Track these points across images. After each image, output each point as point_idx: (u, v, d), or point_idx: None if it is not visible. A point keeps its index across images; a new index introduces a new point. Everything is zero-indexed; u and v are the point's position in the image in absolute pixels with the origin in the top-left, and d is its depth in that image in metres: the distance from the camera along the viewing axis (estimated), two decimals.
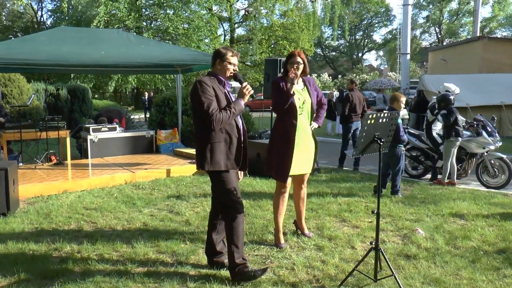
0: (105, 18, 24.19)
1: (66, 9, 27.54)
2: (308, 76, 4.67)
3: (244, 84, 3.71)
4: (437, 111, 7.94)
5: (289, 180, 4.53)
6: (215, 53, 3.80)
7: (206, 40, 29.01)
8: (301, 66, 4.45)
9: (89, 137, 9.59)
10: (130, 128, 13.91)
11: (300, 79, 4.56)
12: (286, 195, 4.59)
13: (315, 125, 4.64)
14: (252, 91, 3.73)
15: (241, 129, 3.81)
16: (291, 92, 4.32)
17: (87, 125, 9.92)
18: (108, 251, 4.43)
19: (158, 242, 4.65)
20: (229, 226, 3.71)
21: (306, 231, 4.92)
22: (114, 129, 10.09)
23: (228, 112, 3.56)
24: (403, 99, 6.74)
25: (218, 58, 3.75)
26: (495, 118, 8.12)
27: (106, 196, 6.78)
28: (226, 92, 3.74)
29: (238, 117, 3.81)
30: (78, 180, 7.39)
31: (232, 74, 3.76)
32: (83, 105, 18.04)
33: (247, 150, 3.88)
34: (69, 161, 9.16)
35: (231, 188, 3.70)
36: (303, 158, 4.48)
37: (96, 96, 32.59)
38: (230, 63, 3.73)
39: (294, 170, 4.45)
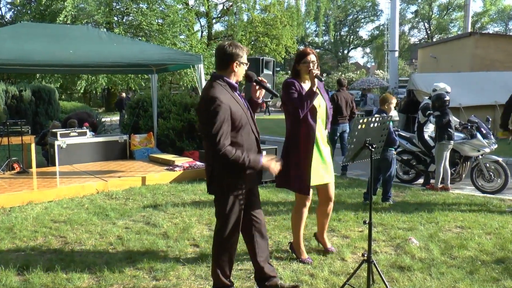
0: (73, 13, 23.90)
1: (18, 1, 27.03)
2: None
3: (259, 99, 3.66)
4: (429, 112, 8.02)
5: (310, 192, 4.44)
6: (229, 54, 3.41)
7: (182, 37, 28.90)
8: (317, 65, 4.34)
9: (56, 143, 9.44)
10: (102, 132, 13.74)
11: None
12: (307, 209, 4.52)
13: None
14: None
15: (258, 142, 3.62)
16: (315, 90, 4.18)
17: (53, 130, 9.76)
18: (80, 268, 4.35)
19: (134, 257, 4.59)
20: (219, 247, 3.59)
21: (329, 245, 4.82)
22: (84, 133, 9.96)
23: (241, 158, 3.28)
24: (394, 101, 6.79)
25: (235, 61, 3.42)
26: (490, 119, 8.25)
27: (76, 207, 6.67)
28: (239, 97, 3.50)
29: (255, 128, 3.58)
30: (45, 190, 7.27)
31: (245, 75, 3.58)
32: (49, 108, 17.73)
33: None
34: (34, 169, 8.98)
35: (239, 211, 3.54)
36: (323, 166, 4.40)
37: (63, 97, 32.12)
38: (246, 64, 3.52)
39: (316, 180, 4.36)
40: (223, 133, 3.25)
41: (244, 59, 3.47)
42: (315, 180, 4.36)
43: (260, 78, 3.67)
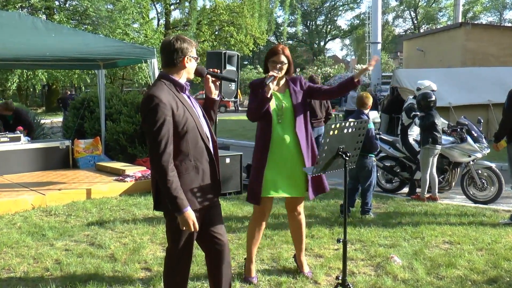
0: None
1: None
2: (296, 75, 4.59)
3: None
4: (414, 113, 8.13)
5: (267, 203, 4.46)
6: (177, 49, 3.38)
7: (135, 25, 28.69)
8: (285, 66, 4.36)
9: None
10: (40, 136, 13.49)
11: (283, 80, 4.47)
12: (263, 223, 4.55)
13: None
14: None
15: (212, 148, 3.52)
16: (268, 96, 4.19)
17: None
18: None
19: (74, 285, 4.50)
20: (169, 270, 3.59)
21: (305, 269, 4.79)
22: (18, 139, 9.75)
23: (173, 187, 3.20)
24: (370, 100, 6.85)
25: (185, 56, 3.40)
26: (482, 121, 8.42)
27: (6, 226, 6.51)
28: (188, 98, 3.48)
29: (207, 130, 3.53)
30: None
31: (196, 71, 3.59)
32: None
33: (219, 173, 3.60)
34: None
35: (191, 233, 3.48)
36: (286, 177, 4.37)
37: None
38: (196, 59, 3.52)
39: (273, 191, 4.36)
40: (163, 136, 3.22)
41: (193, 53, 3.47)
42: (271, 191, 4.35)
43: (210, 69, 3.67)
